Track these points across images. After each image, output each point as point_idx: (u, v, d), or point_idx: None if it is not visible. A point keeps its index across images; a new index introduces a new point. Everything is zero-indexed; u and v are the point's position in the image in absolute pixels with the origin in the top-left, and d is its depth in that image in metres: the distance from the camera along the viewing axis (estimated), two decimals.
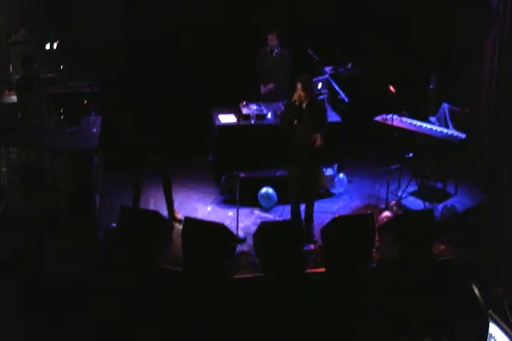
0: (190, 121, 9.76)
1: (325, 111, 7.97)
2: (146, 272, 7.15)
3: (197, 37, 10.22)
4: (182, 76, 9.98)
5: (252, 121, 8.81)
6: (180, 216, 8.24)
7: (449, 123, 9.01)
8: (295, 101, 7.67)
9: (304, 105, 7.65)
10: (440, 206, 8.43)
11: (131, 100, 8.10)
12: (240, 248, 7.75)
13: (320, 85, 9.11)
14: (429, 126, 8.82)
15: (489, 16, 9.04)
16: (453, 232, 8.01)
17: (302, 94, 7.62)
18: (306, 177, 7.85)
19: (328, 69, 9.59)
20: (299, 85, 7.64)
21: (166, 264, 7.34)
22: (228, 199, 8.86)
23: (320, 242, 7.63)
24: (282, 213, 8.48)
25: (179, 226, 7.80)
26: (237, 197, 7.98)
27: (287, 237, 7.33)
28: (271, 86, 9.40)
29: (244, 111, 8.94)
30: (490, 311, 5.43)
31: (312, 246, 7.84)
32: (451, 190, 8.89)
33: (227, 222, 7.92)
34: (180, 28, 10.17)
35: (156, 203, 8.58)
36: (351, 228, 7.45)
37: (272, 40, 9.24)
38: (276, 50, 9.32)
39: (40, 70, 8.85)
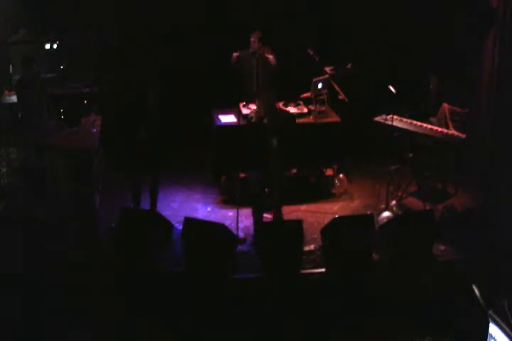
0: (190, 121, 9.76)
1: (291, 119, 8.03)
2: (146, 272, 7.15)
3: (197, 37, 10.22)
4: (182, 76, 9.98)
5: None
6: None
7: (449, 123, 9.01)
8: (251, 118, 7.82)
9: (265, 120, 7.70)
10: (440, 206, 8.43)
11: (131, 100, 8.10)
12: (239, 248, 7.75)
13: (320, 85, 9.11)
14: (429, 126, 8.82)
15: (489, 16, 9.03)
16: (453, 232, 8.01)
17: (259, 111, 7.74)
18: (271, 181, 7.84)
19: (328, 69, 9.59)
20: (257, 103, 7.80)
21: (166, 264, 7.34)
22: (228, 200, 8.86)
23: (320, 242, 7.64)
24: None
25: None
26: (237, 197, 7.98)
27: (287, 237, 7.33)
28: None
29: (244, 111, 8.95)
30: (490, 311, 5.43)
31: (312, 246, 7.84)
32: (451, 190, 8.89)
33: (227, 222, 7.92)
34: (180, 27, 10.17)
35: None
36: (351, 228, 7.45)
37: (254, 42, 9.19)
38: (259, 52, 9.27)
39: (40, 70, 8.85)
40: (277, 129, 7.69)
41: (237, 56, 9.32)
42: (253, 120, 7.77)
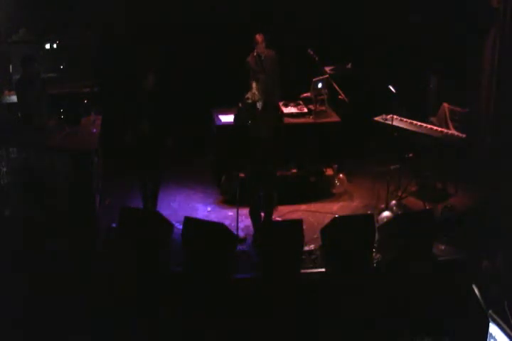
0: (190, 121, 9.76)
1: (280, 112, 7.95)
2: (146, 272, 7.15)
3: (197, 37, 10.22)
4: (182, 76, 9.98)
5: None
6: None
7: (449, 123, 9.02)
8: (247, 98, 7.63)
9: (259, 105, 7.63)
10: (440, 206, 8.44)
11: (131, 100, 8.11)
12: (239, 248, 7.75)
13: (320, 85, 9.11)
14: (429, 126, 8.82)
15: (489, 16, 9.04)
16: (453, 232, 8.02)
17: (256, 93, 7.60)
18: (262, 180, 7.84)
19: (328, 69, 9.59)
20: (254, 84, 7.61)
21: (166, 264, 7.34)
22: (228, 199, 8.87)
23: (320, 242, 7.64)
24: (282, 213, 8.48)
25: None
26: (237, 197, 7.98)
27: (287, 237, 7.33)
28: None
29: None
30: (490, 311, 5.43)
31: (312, 246, 7.84)
32: (451, 190, 8.89)
33: (227, 222, 7.92)
34: (181, 27, 10.17)
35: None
36: (351, 228, 7.44)
37: (261, 42, 9.04)
38: (264, 54, 9.22)
39: (40, 70, 8.84)
40: (266, 122, 7.67)
41: (247, 61, 9.24)
42: (249, 101, 7.67)
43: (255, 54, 9.16)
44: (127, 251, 7.28)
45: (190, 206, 8.82)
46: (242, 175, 8.32)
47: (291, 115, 9.13)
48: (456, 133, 8.69)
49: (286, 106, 9.29)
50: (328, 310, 6.99)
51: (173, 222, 7.43)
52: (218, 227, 7.29)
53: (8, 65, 9.64)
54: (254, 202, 7.96)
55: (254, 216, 7.99)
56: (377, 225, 7.66)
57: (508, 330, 5.21)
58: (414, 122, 8.85)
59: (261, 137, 7.61)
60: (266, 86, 7.71)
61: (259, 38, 9.04)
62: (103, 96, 9.56)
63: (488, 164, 9.11)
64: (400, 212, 8.41)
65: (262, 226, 7.90)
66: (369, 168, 9.55)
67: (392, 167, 8.69)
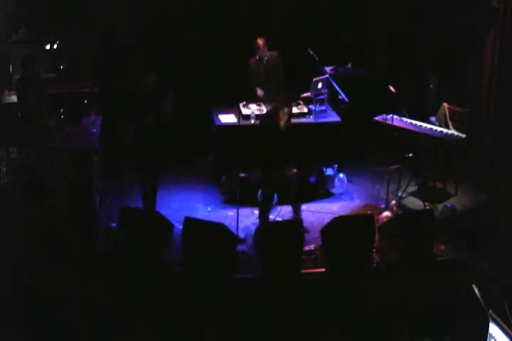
0: (190, 121, 9.76)
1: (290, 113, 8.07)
2: (146, 272, 7.15)
3: (197, 37, 10.22)
4: (182, 76, 9.98)
5: (252, 121, 8.81)
6: None
7: (449, 123, 9.02)
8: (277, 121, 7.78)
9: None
10: (440, 206, 8.44)
11: (131, 100, 8.11)
12: (240, 248, 7.75)
13: (320, 85, 9.11)
14: (429, 126, 8.83)
15: (489, 16, 9.03)
16: (453, 232, 8.01)
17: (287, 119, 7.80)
18: (273, 180, 7.89)
19: (328, 69, 9.59)
20: (285, 110, 7.80)
21: (166, 264, 7.34)
22: (228, 199, 8.87)
23: (320, 242, 7.64)
24: (282, 213, 8.48)
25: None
26: (237, 197, 7.98)
27: (287, 237, 7.33)
28: (261, 93, 9.33)
29: (244, 111, 8.95)
30: (490, 311, 5.43)
31: (312, 246, 7.84)
32: (451, 190, 8.89)
33: (227, 222, 7.92)
34: (181, 27, 10.18)
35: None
36: (351, 228, 7.44)
37: (263, 46, 9.01)
38: (266, 57, 9.18)
39: (40, 70, 8.84)
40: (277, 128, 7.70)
41: (249, 64, 9.22)
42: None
43: (257, 57, 9.14)
44: (127, 251, 7.29)
45: (190, 206, 8.82)
46: (242, 175, 8.33)
47: (291, 115, 9.13)
48: (456, 133, 8.69)
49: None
50: (328, 310, 6.99)
51: (173, 222, 7.43)
52: (218, 227, 7.29)
53: (8, 65, 9.64)
54: (269, 203, 7.99)
55: (265, 216, 7.99)
56: (377, 225, 7.66)
57: (508, 330, 5.21)
58: (414, 122, 8.85)
59: (264, 137, 7.63)
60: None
61: (260, 41, 9.01)
62: (103, 96, 9.56)
63: (488, 164, 9.11)
64: (400, 212, 8.41)
65: (262, 226, 7.90)
66: (369, 168, 9.55)
67: (392, 167, 8.69)
